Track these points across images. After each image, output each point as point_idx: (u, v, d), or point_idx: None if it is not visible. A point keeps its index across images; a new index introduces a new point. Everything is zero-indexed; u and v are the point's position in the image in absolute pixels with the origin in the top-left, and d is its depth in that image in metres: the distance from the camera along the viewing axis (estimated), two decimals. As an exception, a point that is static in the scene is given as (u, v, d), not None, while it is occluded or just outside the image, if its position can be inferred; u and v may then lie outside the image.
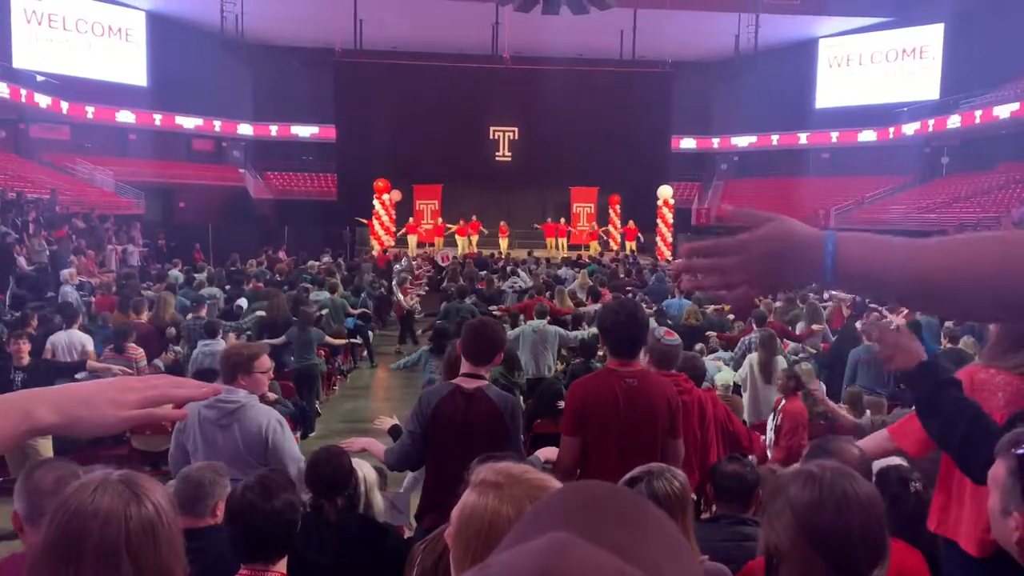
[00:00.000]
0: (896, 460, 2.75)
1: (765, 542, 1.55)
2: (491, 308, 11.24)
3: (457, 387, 3.40)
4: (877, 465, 2.68)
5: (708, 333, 9.38)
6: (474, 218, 26.29)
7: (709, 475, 3.04)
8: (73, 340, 7.51)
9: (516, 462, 1.36)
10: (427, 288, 17.28)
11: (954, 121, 27.91)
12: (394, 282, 14.75)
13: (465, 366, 3.46)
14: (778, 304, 10.74)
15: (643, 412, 3.21)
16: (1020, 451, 1.56)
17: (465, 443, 3.11)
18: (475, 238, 26.04)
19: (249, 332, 9.28)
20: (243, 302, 10.79)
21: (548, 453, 3.53)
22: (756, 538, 2.07)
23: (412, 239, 25.92)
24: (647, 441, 3.18)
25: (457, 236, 25.81)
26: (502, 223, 26.45)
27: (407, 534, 3.60)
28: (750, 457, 3.99)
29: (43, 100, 27.08)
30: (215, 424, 3.51)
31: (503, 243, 25.82)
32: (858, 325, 9.03)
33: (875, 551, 1.46)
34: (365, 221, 25.74)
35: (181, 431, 3.59)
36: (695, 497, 3.24)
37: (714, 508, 3.05)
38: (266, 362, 3.72)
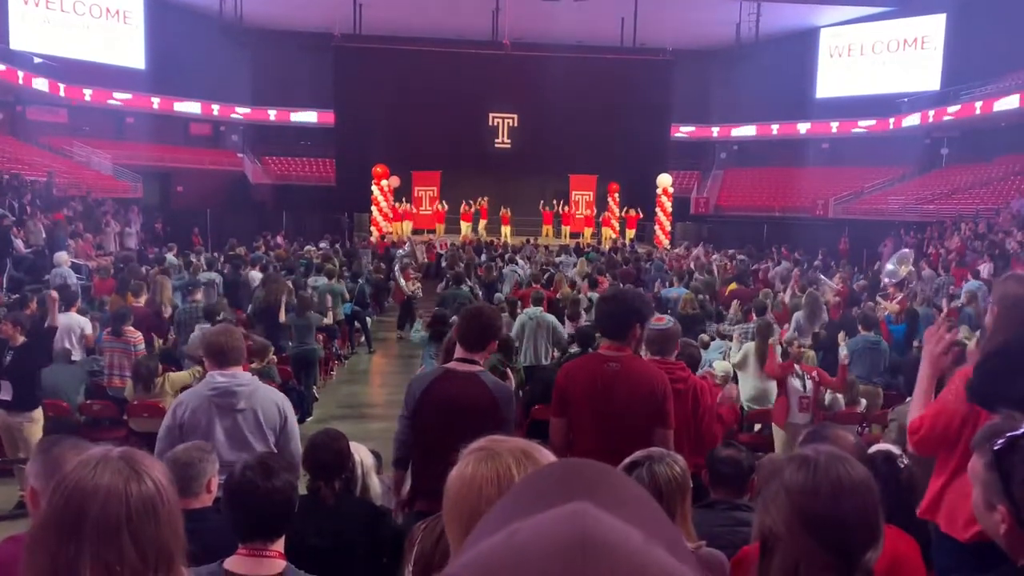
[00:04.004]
0: (885, 446, 2.76)
1: (760, 526, 1.55)
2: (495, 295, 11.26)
3: (449, 371, 3.38)
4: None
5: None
6: (483, 202, 26.19)
7: (705, 461, 3.06)
8: (72, 323, 7.48)
9: None
10: (423, 275, 17.27)
11: (954, 112, 27.82)
12: (396, 267, 14.71)
13: (459, 351, 3.44)
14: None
15: (622, 397, 3.21)
16: (996, 446, 1.57)
17: (456, 428, 2.91)
18: (483, 222, 25.97)
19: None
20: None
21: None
22: (751, 523, 2.09)
23: (407, 224, 25.90)
24: (630, 426, 3.17)
25: (462, 221, 25.77)
26: (504, 211, 26.27)
27: (399, 518, 3.61)
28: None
29: (40, 82, 26.87)
30: (232, 411, 3.37)
31: (505, 230, 25.71)
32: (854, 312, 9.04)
33: (869, 534, 1.48)
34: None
35: (179, 427, 3.33)
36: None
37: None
38: None
